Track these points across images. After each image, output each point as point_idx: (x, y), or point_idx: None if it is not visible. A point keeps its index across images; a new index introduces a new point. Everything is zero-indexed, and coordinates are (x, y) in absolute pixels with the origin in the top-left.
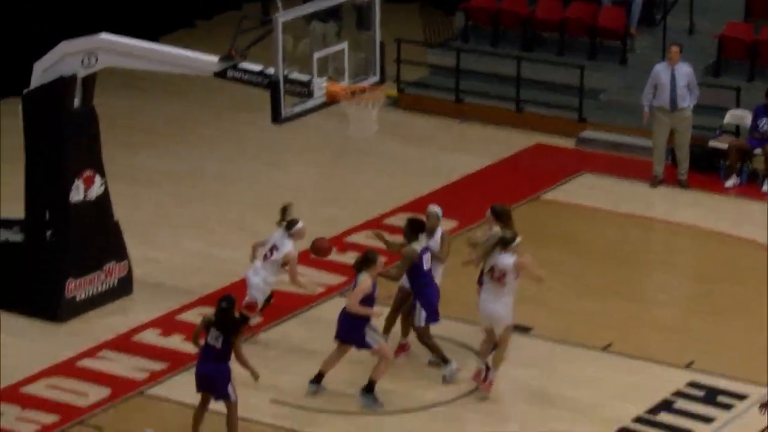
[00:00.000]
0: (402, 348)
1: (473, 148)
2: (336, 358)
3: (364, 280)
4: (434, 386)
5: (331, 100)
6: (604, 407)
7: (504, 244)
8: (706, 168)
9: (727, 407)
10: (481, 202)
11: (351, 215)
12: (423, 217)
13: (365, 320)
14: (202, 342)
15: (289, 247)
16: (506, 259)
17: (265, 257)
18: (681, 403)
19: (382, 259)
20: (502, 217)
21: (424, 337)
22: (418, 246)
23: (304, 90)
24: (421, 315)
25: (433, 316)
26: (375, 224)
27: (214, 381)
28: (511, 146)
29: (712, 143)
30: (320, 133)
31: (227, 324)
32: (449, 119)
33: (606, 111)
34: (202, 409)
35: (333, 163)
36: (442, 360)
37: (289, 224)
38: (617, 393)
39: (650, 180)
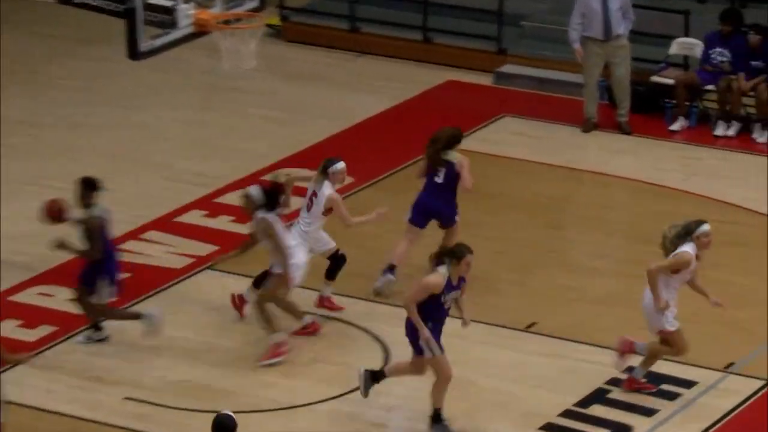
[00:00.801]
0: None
1: (372, 87)
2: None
3: (436, 277)
4: (323, 381)
5: (200, 31)
6: (527, 399)
7: (686, 233)
8: (648, 108)
9: (673, 396)
10: (381, 152)
11: (225, 170)
12: (92, 177)
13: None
14: None
15: (329, 190)
16: (685, 247)
17: (308, 207)
18: (617, 393)
19: (469, 259)
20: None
21: (107, 313)
22: (98, 211)
23: (167, 18)
24: (104, 291)
25: (115, 291)
26: (252, 180)
27: None
28: (418, 84)
29: (656, 78)
30: (188, 70)
31: None
32: (343, 53)
33: (530, 41)
34: None
35: (203, 107)
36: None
37: (326, 164)
38: (542, 382)
39: (582, 123)
